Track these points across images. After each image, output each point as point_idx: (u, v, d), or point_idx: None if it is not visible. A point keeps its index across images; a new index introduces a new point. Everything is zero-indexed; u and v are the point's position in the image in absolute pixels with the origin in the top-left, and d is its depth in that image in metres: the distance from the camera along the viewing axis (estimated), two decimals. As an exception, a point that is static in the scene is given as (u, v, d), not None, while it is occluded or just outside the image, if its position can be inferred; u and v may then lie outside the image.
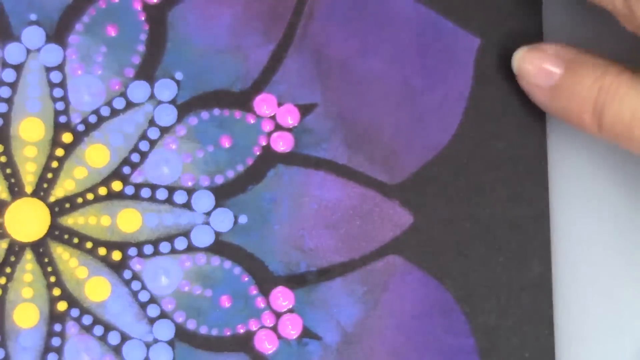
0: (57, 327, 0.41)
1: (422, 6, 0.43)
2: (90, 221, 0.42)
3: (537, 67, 0.41)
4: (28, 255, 0.41)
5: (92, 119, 0.42)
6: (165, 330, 0.41)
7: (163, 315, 0.41)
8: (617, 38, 0.42)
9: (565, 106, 0.41)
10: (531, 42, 0.43)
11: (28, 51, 0.43)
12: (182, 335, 0.41)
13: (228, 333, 0.41)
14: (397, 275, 0.42)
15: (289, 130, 0.43)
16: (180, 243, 0.42)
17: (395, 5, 0.43)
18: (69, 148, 0.42)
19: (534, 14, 0.44)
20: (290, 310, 0.41)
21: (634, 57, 0.42)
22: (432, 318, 0.41)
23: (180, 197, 0.42)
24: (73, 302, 0.41)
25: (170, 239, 0.42)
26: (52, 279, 0.41)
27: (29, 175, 0.42)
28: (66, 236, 0.42)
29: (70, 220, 0.42)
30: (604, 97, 0.39)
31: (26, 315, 0.41)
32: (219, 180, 0.42)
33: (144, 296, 0.41)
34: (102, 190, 0.42)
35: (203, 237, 0.42)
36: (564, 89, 0.41)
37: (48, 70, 0.43)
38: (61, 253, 0.41)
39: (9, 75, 0.42)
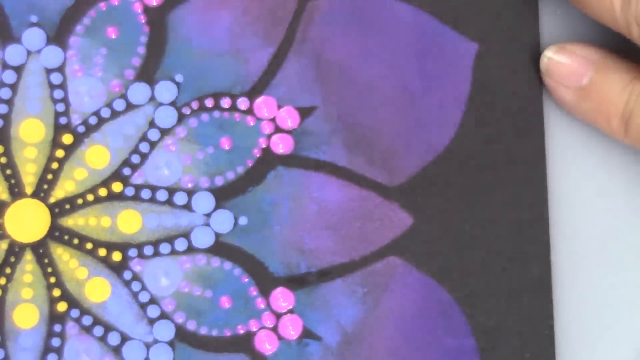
0: (57, 328, 0.41)
1: (421, 11, 0.44)
2: (91, 222, 0.42)
3: (566, 67, 0.41)
4: (28, 256, 0.41)
5: (93, 120, 0.42)
6: (165, 331, 0.41)
7: (163, 315, 0.41)
8: (612, 43, 0.43)
9: (593, 109, 0.41)
10: (528, 47, 0.43)
11: (28, 53, 0.43)
12: (182, 335, 0.41)
13: (228, 334, 0.41)
14: (397, 276, 0.42)
15: (288, 132, 0.43)
16: (181, 244, 0.42)
17: (394, 10, 0.44)
18: (69, 149, 0.42)
19: (531, 19, 0.44)
20: (291, 311, 0.41)
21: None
22: (432, 319, 0.41)
23: (180, 199, 0.42)
24: (73, 302, 0.41)
25: (170, 240, 0.42)
26: (52, 279, 0.41)
27: (29, 176, 0.42)
28: (66, 237, 0.42)
29: (71, 221, 0.42)
30: (633, 104, 0.40)
31: (26, 316, 0.41)
32: (219, 181, 0.42)
33: (144, 297, 0.41)
34: (102, 192, 0.42)
35: (203, 238, 0.42)
36: (593, 91, 0.41)
37: (48, 71, 0.43)
38: (61, 254, 0.41)
39: (9, 76, 0.42)
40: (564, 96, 0.42)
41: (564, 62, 0.42)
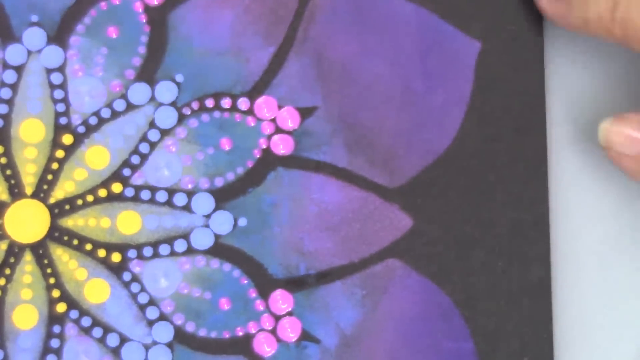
0: (56, 329, 0.41)
1: (423, 10, 0.43)
2: (90, 223, 0.42)
3: (623, 135, 0.40)
4: (28, 257, 0.41)
5: (93, 120, 0.42)
6: (164, 333, 0.41)
7: (162, 317, 0.41)
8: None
9: None
10: (531, 46, 0.43)
11: (29, 52, 0.43)
12: (181, 337, 0.41)
13: (227, 336, 0.41)
14: (397, 278, 0.42)
15: (289, 133, 0.43)
16: (180, 245, 0.42)
17: (396, 9, 0.43)
18: (69, 150, 0.42)
19: (534, 18, 0.43)
20: (290, 313, 0.41)
21: (635, 64, 0.42)
22: (431, 322, 0.41)
23: (180, 200, 0.42)
24: (72, 303, 0.41)
25: (169, 241, 0.42)
26: (52, 280, 0.41)
27: (29, 176, 0.42)
28: (66, 238, 0.42)
29: (70, 222, 0.42)
30: None
31: (25, 317, 0.41)
32: (219, 182, 0.42)
33: (143, 298, 0.41)
34: (102, 192, 0.42)
35: (203, 240, 0.42)
36: None
37: (49, 71, 0.43)
38: (61, 254, 0.41)
39: (9, 76, 0.42)
40: (629, 166, 0.40)
41: (622, 131, 0.40)
